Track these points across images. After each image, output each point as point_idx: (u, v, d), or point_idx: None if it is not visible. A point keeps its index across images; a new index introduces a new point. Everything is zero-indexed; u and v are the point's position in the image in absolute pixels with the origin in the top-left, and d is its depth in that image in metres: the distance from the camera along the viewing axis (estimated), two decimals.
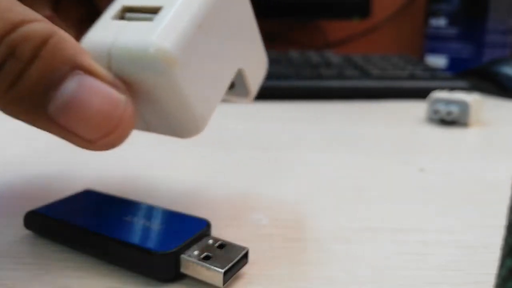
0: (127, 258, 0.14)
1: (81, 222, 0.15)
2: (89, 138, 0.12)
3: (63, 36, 0.12)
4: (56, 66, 0.11)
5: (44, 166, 0.24)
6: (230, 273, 0.13)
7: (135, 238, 0.14)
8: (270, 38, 0.72)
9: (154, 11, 0.14)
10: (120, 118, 0.12)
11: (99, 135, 0.12)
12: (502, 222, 0.18)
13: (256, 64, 0.19)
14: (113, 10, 0.15)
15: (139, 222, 0.15)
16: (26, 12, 0.11)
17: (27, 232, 0.16)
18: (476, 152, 0.29)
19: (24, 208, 0.17)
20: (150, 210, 0.16)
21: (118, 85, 0.13)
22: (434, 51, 0.63)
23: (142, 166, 0.24)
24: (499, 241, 0.14)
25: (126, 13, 0.14)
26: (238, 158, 0.26)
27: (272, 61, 0.51)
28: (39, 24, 0.11)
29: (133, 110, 0.13)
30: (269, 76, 0.45)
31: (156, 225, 0.15)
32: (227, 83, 0.16)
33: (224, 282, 0.13)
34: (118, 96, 0.12)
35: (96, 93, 0.12)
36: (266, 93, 0.43)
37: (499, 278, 0.09)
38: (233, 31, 0.16)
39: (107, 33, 0.14)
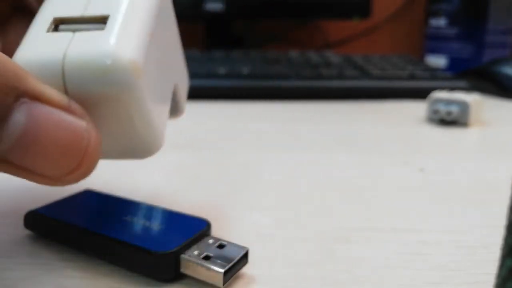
0: (127, 258, 0.14)
1: (81, 222, 0.15)
2: (51, 175, 0.10)
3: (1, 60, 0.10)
4: None
5: None
6: (230, 273, 0.13)
7: (135, 238, 0.14)
8: (270, 38, 0.72)
9: (98, 20, 0.12)
10: (85, 149, 0.10)
11: (63, 171, 0.10)
12: (502, 222, 0.18)
13: (185, 80, 0.19)
14: (42, 22, 0.13)
15: (139, 222, 0.15)
16: None
17: (27, 232, 0.16)
18: (476, 152, 0.29)
19: (24, 208, 0.17)
20: (150, 210, 0.16)
21: (74, 109, 0.11)
22: (434, 51, 0.63)
23: (142, 166, 0.24)
24: (499, 241, 0.14)
25: (61, 25, 0.13)
26: (238, 158, 0.26)
27: (272, 61, 0.51)
28: None
29: (98, 136, 0.11)
30: (269, 76, 0.46)
31: (156, 225, 0.15)
32: (170, 97, 0.16)
33: (224, 282, 0.13)
34: (77, 123, 0.10)
35: (49, 122, 0.10)
36: (266, 93, 0.43)
37: (499, 278, 0.09)
38: (170, 44, 0.16)
39: (51, 47, 0.12)
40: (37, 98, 0.10)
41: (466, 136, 0.32)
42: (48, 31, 0.12)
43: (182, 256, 0.14)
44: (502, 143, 0.31)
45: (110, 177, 0.23)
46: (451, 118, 0.34)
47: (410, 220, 0.19)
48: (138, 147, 0.14)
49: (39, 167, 0.10)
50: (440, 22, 0.62)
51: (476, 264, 0.15)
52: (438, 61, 0.62)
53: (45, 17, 0.13)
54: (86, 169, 0.11)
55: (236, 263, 0.14)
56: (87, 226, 0.15)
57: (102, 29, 0.12)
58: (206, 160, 0.26)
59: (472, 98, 0.34)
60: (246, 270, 0.14)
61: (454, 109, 0.34)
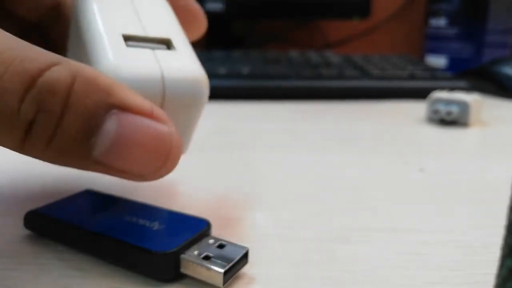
0: (127, 258, 0.14)
1: (81, 222, 0.15)
2: (140, 174, 0.12)
3: (87, 75, 0.11)
4: (89, 112, 0.11)
5: (44, 166, 0.24)
6: (230, 273, 0.13)
7: (135, 238, 0.14)
8: (270, 38, 0.72)
9: (163, 42, 0.15)
10: (168, 150, 0.12)
11: (150, 170, 0.12)
12: (502, 222, 0.18)
13: None
14: (113, 36, 0.14)
15: (139, 222, 0.15)
16: (40, 56, 0.11)
17: (27, 232, 0.16)
18: (476, 152, 0.29)
19: (24, 208, 0.17)
20: (150, 210, 0.16)
21: (158, 115, 0.12)
22: (434, 51, 0.63)
23: None
24: (499, 241, 0.14)
25: (129, 41, 0.14)
26: (238, 158, 0.26)
27: (272, 61, 0.51)
28: (58, 69, 0.11)
29: (179, 138, 0.12)
30: (269, 76, 0.46)
31: (156, 225, 0.15)
32: None
33: (224, 282, 0.13)
34: (161, 128, 0.12)
35: (137, 128, 0.11)
36: (266, 93, 0.43)
37: (499, 278, 0.09)
38: None
39: (144, 63, 0.14)
40: (125, 108, 0.11)
41: (466, 136, 0.32)
42: (126, 46, 0.14)
43: (182, 256, 0.14)
44: (502, 143, 0.31)
45: (110, 177, 0.23)
46: (451, 118, 0.34)
47: (410, 220, 0.19)
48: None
49: (129, 168, 0.12)
50: (440, 22, 0.62)
51: (476, 264, 0.15)
52: (438, 61, 0.62)
53: (110, 31, 0.14)
54: (170, 167, 0.12)
55: (236, 263, 0.14)
56: (87, 226, 0.15)
57: (174, 49, 0.15)
58: (206, 160, 0.26)
59: (472, 98, 0.34)
60: (246, 270, 0.14)
61: (454, 109, 0.34)
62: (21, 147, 0.11)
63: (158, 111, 0.12)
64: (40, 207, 0.16)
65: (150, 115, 0.12)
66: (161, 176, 0.12)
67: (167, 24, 0.16)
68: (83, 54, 0.14)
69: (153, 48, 0.14)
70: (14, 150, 0.11)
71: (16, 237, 0.16)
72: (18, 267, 0.14)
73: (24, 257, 0.15)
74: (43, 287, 0.14)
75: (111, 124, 0.11)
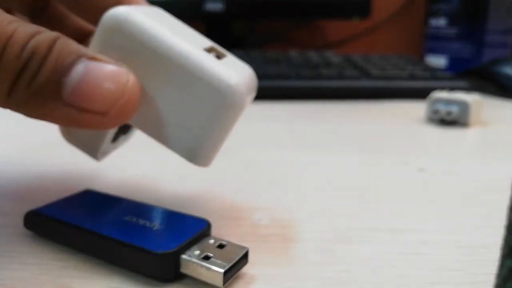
0: (127, 258, 0.14)
1: (81, 222, 0.15)
2: (102, 110, 0.13)
3: (66, 38, 0.14)
4: (64, 57, 0.13)
5: (44, 166, 0.24)
6: (230, 273, 0.13)
7: (135, 238, 0.14)
8: (270, 38, 0.72)
9: (223, 55, 0.16)
10: (125, 85, 0.14)
11: (110, 104, 0.13)
12: (502, 222, 0.18)
13: None
14: (200, 51, 0.15)
15: (139, 222, 0.15)
16: (33, 26, 0.13)
17: (27, 232, 0.16)
18: (476, 152, 0.29)
19: (24, 208, 0.17)
20: (150, 210, 0.16)
21: (119, 65, 0.14)
22: (434, 51, 0.63)
23: (142, 166, 0.24)
24: (499, 241, 0.14)
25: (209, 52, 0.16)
26: (238, 158, 0.26)
27: (272, 61, 0.51)
28: (47, 32, 0.13)
29: (136, 79, 0.14)
30: (269, 76, 0.46)
31: (156, 225, 0.15)
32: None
33: (224, 282, 0.13)
34: (120, 69, 0.14)
35: (100, 71, 0.13)
36: (266, 93, 0.43)
37: (499, 278, 0.09)
38: None
39: (236, 71, 0.15)
40: (92, 58, 0.14)
41: (466, 136, 0.32)
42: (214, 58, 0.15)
43: (182, 256, 0.14)
44: (502, 143, 0.31)
45: (110, 177, 0.23)
46: (451, 118, 0.34)
47: (410, 220, 0.19)
48: (196, 149, 0.15)
49: (92, 104, 0.13)
50: (440, 22, 0.62)
51: (476, 264, 0.15)
52: (438, 61, 0.62)
53: (192, 47, 0.15)
54: (127, 101, 0.14)
55: (236, 263, 0.14)
56: (87, 226, 0.15)
57: (226, 57, 0.16)
58: None
59: (472, 98, 0.34)
60: (246, 270, 0.14)
61: (454, 109, 0.34)
62: (8, 94, 0.13)
63: (121, 64, 0.14)
64: (40, 207, 0.16)
65: (112, 63, 0.14)
66: (120, 115, 0.14)
67: (195, 33, 0.17)
68: (164, 74, 0.15)
69: (218, 57, 0.16)
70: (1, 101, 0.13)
71: (16, 237, 0.16)
72: (18, 267, 0.14)
73: (24, 257, 0.15)
74: (43, 287, 0.14)
75: (80, 67, 0.13)
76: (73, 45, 0.14)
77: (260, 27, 0.72)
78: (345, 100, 0.44)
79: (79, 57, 0.13)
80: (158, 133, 0.15)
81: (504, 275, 0.09)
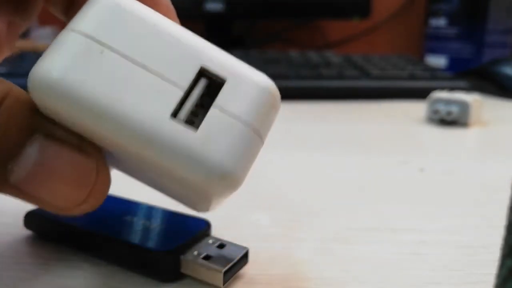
0: (127, 258, 0.14)
1: (81, 222, 0.15)
2: (59, 206, 0.11)
3: (15, 98, 0.10)
4: (11, 134, 0.10)
5: None
6: (230, 273, 0.13)
7: (135, 238, 0.14)
8: (270, 38, 0.72)
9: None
10: (91, 186, 0.11)
11: (70, 204, 0.11)
12: (502, 222, 0.18)
13: None
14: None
15: (139, 222, 0.15)
16: None
17: (27, 232, 0.16)
18: (476, 152, 0.29)
19: (24, 208, 0.17)
20: (150, 210, 0.16)
21: (85, 148, 0.11)
22: (434, 51, 0.63)
23: None
24: (499, 241, 0.14)
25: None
26: None
27: (272, 61, 0.51)
28: None
29: (107, 176, 0.11)
30: (269, 76, 0.45)
31: (156, 225, 0.15)
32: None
33: (224, 282, 0.13)
34: (86, 162, 0.11)
35: (59, 159, 0.10)
36: None
37: (499, 278, 0.09)
38: None
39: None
40: (49, 136, 0.10)
41: (466, 136, 0.32)
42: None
43: (182, 256, 0.14)
44: (502, 143, 0.31)
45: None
46: (451, 118, 0.34)
47: (410, 220, 0.18)
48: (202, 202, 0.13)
49: (48, 198, 0.11)
50: (440, 22, 0.62)
51: (476, 264, 0.15)
52: (438, 61, 0.62)
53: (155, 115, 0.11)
54: (92, 204, 0.11)
55: (236, 263, 0.14)
56: (87, 226, 0.15)
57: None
58: None
59: (472, 98, 0.34)
60: (246, 270, 0.14)
61: (454, 109, 0.34)
62: None
63: (87, 145, 0.11)
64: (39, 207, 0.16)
65: (76, 146, 0.11)
66: (83, 212, 0.11)
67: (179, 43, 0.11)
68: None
69: (210, 86, 0.12)
70: None
71: (16, 237, 0.16)
72: (18, 267, 0.14)
73: (24, 257, 0.15)
74: (43, 287, 0.13)
75: (32, 150, 0.10)
76: (24, 114, 0.10)
77: (260, 27, 0.72)
78: (345, 100, 0.44)
79: (31, 133, 0.10)
80: (161, 189, 0.14)
81: (504, 275, 0.09)
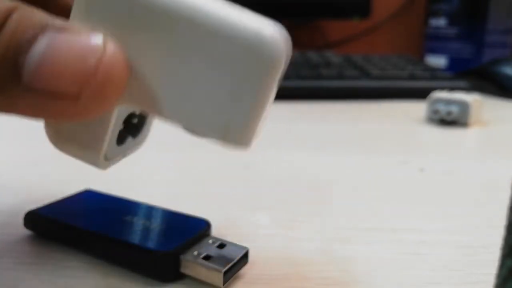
0: (127, 258, 0.14)
1: (81, 222, 0.15)
2: (71, 92, 0.11)
3: (28, 7, 0.11)
4: (23, 31, 0.11)
5: (44, 166, 0.24)
6: (230, 273, 0.13)
7: (135, 238, 0.14)
8: None
9: None
10: (99, 56, 0.11)
11: (80, 83, 0.11)
12: (502, 222, 0.18)
13: None
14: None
15: (139, 222, 0.15)
16: None
17: (27, 232, 0.16)
18: (476, 152, 0.29)
19: (24, 208, 0.17)
20: (150, 210, 0.16)
21: (95, 33, 0.11)
22: (434, 51, 0.63)
23: (142, 167, 0.24)
24: (499, 241, 0.14)
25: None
26: (238, 158, 0.26)
27: None
28: (1, 2, 0.11)
29: (117, 49, 0.11)
30: None
31: (156, 225, 0.15)
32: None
33: (224, 282, 0.13)
34: (92, 37, 0.11)
35: (67, 43, 0.11)
36: None
37: (499, 278, 0.09)
38: None
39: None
40: (61, 29, 0.11)
41: (466, 136, 0.32)
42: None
43: (182, 256, 0.14)
44: (502, 143, 0.31)
45: (110, 177, 0.23)
46: (451, 118, 0.34)
47: (410, 220, 0.18)
48: (229, 124, 0.12)
49: (58, 86, 0.11)
50: (440, 22, 0.62)
51: (476, 264, 0.15)
52: (438, 61, 0.62)
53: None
54: (105, 80, 0.11)
55: (236, 263, 0.14)
56: (87, 226, 0.15)
57: None
58: (206, 160, 0.26)
59: (472, 98, 0.34)
60: (246, 270, 0.14)
61: (454, 109, 0.34)
62: None
63: (99, 31, 0.11)
64: (40, 207, 0.16)
65: (86, 33, 0.11)
66: (96, 98, 0.11)
67: None
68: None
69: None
70: None
71: (16, 237, 0.16)
72: (18, 267, 0.14)
73: (24, 257, 0.15)
74: (43, 286, 0.14)
75: (43, 42, 0.11)
76: (36, 16, 0.11)
77: None
78: (345, 100, 0.44)
79: (43, 29, 0.11)
80: (175, 114, 0.12)
81: (504, 275, 0.09)
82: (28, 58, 0.11)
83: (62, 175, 0.23)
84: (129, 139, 0.15)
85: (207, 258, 0.14)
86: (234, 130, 0.12)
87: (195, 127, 0.12)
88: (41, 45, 0.11)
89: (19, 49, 0.11)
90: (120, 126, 0.14)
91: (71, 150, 0.14)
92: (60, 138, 0.14)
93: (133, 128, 0.15)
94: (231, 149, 0.12)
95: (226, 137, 0.12)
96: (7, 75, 0.11)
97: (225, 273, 0.13)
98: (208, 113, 0.12)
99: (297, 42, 0.71)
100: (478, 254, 0.16)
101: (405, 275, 0.15)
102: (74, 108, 0.11)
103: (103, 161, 0.14)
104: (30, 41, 0.11)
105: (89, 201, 0.17)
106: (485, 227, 0.18)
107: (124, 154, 0.16)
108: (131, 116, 0.15)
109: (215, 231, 0.16)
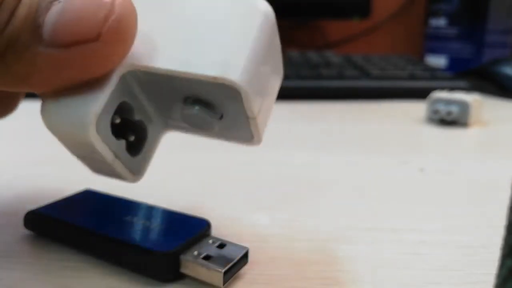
0: (127, 258, 0.14)
1: (81, 222, 0.15)
2: (91, 34, 0.11)
3: None
4: None
5: (44, 166, 0.24)
6: (230, 273, 0.13)
7: (135, 238, 0.14)
8: None
9: None
10: (113, 1, 0.12)
11: (99, 23, 0.11)
12: (502, 222, 0.18)
13: None
14: None
15: (139, 222, 0.15)
16: None
17: (27, 232, 0.16)
18: (476, 152, 0.29)
19: (24, 208, 0.17)
20: (150, 210, 0.16)
21: None
22: (434, 51, 0.63)
23: None
24: (499, 241, 0.14)
25: None
26: (238, 158, 0.26)
27: None
28: None
29: None
30: None
31: (156, 225, 0.15)
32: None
33: (224, 282, 0.13)
34: None
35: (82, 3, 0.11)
36: None
37: (499, 278, 0.09)
38: None
39: None
40: None
41: (466, 136, 0.32)
42: None
43: (182, 256, 0.14)
44: (502, 143, 0.31)
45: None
46: (451, 118, 0.34)
47: (410, 220, 0.18)
48: (229, 60, 0.12)
49: (77, 33, 0.11)
50: (440, 22, 0.62)
51: (476, 264, 0.15)
52: (438, 61, 0.62)
53: None
54: (121, 17, 0.11)
55: (236, 263, 0.14)
56: (87, 225, 0.15)
57: None
58: (206, 160, 0.26)
59: (472, 98, 0.34)
60: (246, 270, 0.14)
61: (454, 109, 0.34)
62: None
63: None
64: (40, 207, 0.16)
65: None
66: (119, 35, 0.12)
67: None
68: None
69: None
70: None
71: (16, 237, 0.16)
72: (18, 267, 0.14)
73: (24, 257, 0.15)
74: (43, 286, 0.14)
75: (59, 4, 0.11)
76: None
77: None
78: (345, 100, 0.44)
79: None
80: (177, 60, 0.12)
81: (504, 275, 0.09)
82: (47, 18, 0.11)
83: (62, 175, 0.23)
84: (131, 138, 0.15)
85: (207, 258, 0.14)
86: (234, 65, 0.12)
87: (194, 66, 0.12)
88: (58, 4, 0.11)
89: (39, 11, 0.11)
90: (113, 115, 0.13)
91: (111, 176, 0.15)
92: (98, 172, 0.15)
93: (126, 131, 0.15)
94: (232, 88, 0.12)
95: (226, 73, 0.12)
96: (29, 36, 0.11)
97: (225, 273, 0.13)
98: (208, 52, 0.12)
99: (297, 42, 0.71)
100: (478, 254, 0.16)
101: (405, 275, 0.15)
102: (98, 50, 0.11)
103: (128, 172, 0.15)
104: (50, 2, 0.11)
105: (89, 201, 0.17)
106: (485, 227, 0.18)
107: (146, 161, 0.16)
108: (128, 130, 0.15)
109: (215, 231, 0.16)
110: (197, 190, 0.21)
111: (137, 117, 0.15)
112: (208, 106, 0.14)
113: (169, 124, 0.16)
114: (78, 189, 0.19)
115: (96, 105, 0.12)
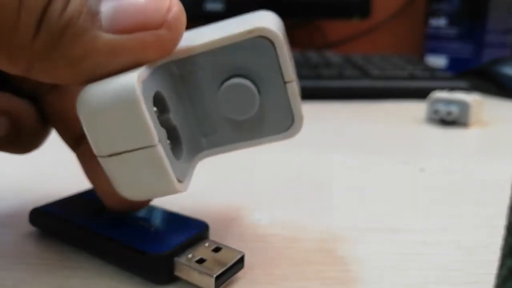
0: (122, 259, 0.14)
1: (82, 221, 0.15)
2: (157, 22, 0.12)
3: None
4: None
5: (44, 166, 0.24)
6: (223, 278, 0.13)
7: (133, 238, 0.14)
8: None
9: None
10: None
11: (165, 11, 0.12)
12: (502, 222, 0.18)
13: None
14: None
15: (138, 223, 0.15)
16: None
17: (28, 232, 0.16)
18: (476, 152, 0.29)
19: (26, 209, 0.17)
20: (150, 210, 0.16)
21: None
22: (434, 51, 0.63)
23: None
24: (499, 241, 0.14)
25: None
26: (238, 158, 0.26)
27: None
28: None
29: None
30: None
31: (154, 225, 0.15)
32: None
33: (216, 286, 0.13)
34: None
35: None
36: None
37: (499, 278, 0.09)
38: None
39: None
40: None
41: (466, 136, 0.32)
42: None
43: (176, 259, 0.13)
44: (502, 143, 0.31)
45: None
46: (451, 118, 0.34)
47: (410, 220, 0.18)
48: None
49: (142, 20, 0.12)
50: (440, 22, 0.62)
51: (476, 264, 0.15)
52: (438, 61, 0.62)
53: None
54: (180, 6, 0.12)
55: (230, 268, 0.13)
56: (87, 225, 0.15)
57: None
58: (205, 160, 0.26)
59: (472, 98, 0.34)
60: (246, 270, 0.14)
61: (454, 109, 0.34)
62: (35, 33, 0.11)
63: None
64: (43, 205, 0.16)
65: None
66: (180, 19, 0.12)
67: None
68: None
69: None
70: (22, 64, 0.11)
71: (18, 237, 0.16)
72: (18, 267, 0.14)
73: (24, 257, 0.15)
74: (43, 286, 0.13)
75: None
76: None
77: None
78: (345, 100, 0.44)
79: None
80: (211, 37, 0.13)
81: (504, 275, 0.09)
82: (106, 5, 0.11)
83: (63, 175, 0.23)
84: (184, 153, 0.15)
85: (200, 261, 0.13)
86: (265, 23, 0.13)
87: (228, 33, 0.13)
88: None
89: (97, 2, 0.11)
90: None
91: (147, 193, 0.13)
92: (134, 191, 0.13)
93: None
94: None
95: (259, 24, 0.13)
96: (87, 21, 0.11)
97: (217, 278, 0.13)
98: (239, 26, 0.13)
99: (297, 42, 0.71)
100: (478, 254, 0.16)
101: (405, 275, 0.15)
102: (158, 38, 0.12)
103: (177, 181, 0.13)
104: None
105: (92, 200, 0.17)
106: (485, 227, 0.18)
107: (192, 166, 0.16)
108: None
109: (214, 231, 0.16)
110: (197, 190, 0.21)
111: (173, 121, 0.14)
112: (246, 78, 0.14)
113: (202, 145, 0.16)
114: (79, 189, 0.19)
115: (140, 70, 0.12)
